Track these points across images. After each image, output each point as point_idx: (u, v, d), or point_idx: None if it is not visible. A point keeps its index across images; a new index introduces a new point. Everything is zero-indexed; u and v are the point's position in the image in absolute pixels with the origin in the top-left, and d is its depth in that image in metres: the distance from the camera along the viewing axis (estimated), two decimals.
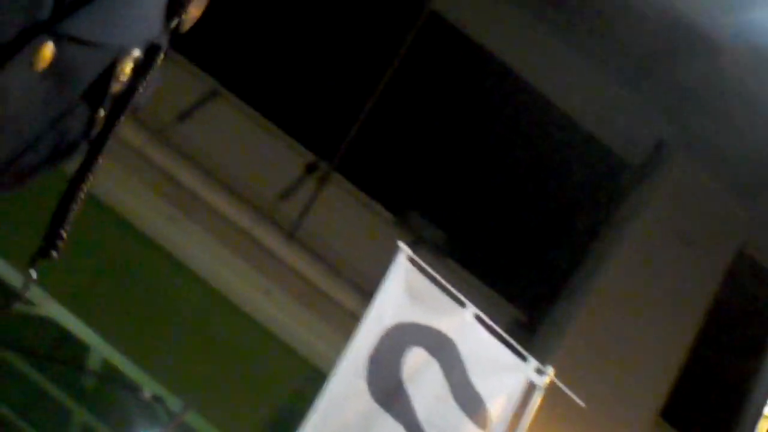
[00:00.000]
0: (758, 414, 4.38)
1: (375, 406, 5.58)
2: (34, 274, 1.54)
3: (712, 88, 9.31)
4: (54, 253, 1.51)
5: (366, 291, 6.22)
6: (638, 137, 10.20)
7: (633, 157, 10.25)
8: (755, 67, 8.91)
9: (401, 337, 5.73)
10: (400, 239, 6.21)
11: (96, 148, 1.56)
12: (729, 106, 9.34)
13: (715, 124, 9.61)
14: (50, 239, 1.50)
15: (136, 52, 1.44)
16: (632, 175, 10.22)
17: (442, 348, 5.77)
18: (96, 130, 1.53)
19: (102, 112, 1.49)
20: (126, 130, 9.44)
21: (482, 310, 6.05)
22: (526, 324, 9.71)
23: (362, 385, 5.60)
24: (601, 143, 10.24)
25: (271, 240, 9.51)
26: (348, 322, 5.98)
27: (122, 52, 1.42)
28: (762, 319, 4.86)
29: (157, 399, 11.14)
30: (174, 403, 11.46)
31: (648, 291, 9.36)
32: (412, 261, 5.93)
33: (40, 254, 1.50)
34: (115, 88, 1.45)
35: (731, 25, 8.71)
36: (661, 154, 10.04)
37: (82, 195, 1.56)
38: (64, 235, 1.53)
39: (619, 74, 10.04)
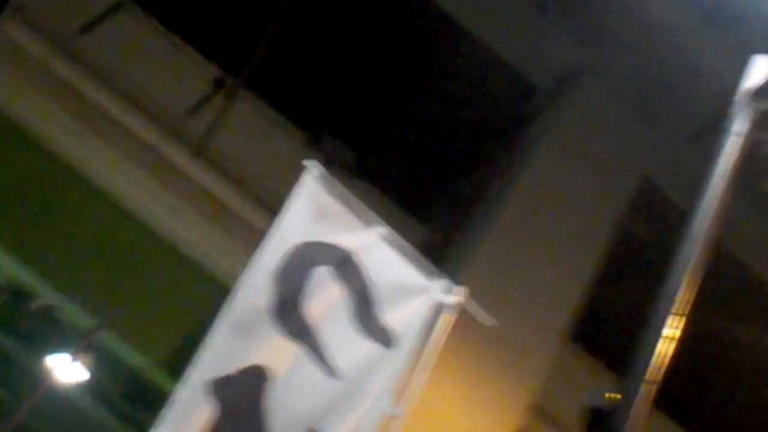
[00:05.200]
0: (657, 335, 4.46)
1: (274, 327, 5.48)
2: None
3: (622, 16, 9.35)
4: None
5: (274, 209, 6.13)
6: (549, 62, 10.23)
7: (543, 82, 10.28)
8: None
9: (306, 256, 5.62)
10: (311, 158, 6.09)
11: None
12: (639, 35, 9.41)
13: (625, 52, 9.68)
14: None
15: None
16: (542, 99, 10.26)
17: (347, 268, 5.67)
18: None
19: None
20: (28, 41, 9.18)
21: (393, 230, 6.01)
22: (436, 245, 9.75)
23: (262, 304, 5.48)
24: (511, 66, 10.24)
25: (178, 156, 9.37)
26: (256, 240, 5.88)
27: None
28: (664, 242, 4.94)
29: (54, 311, 10.99)
30: (84, 320, 11.33)
31: (556, 215, 9.47)
32: (321, 178, 5.81)
33: None
34: None
35: None
36: (570, 80, 10.09)
37: None
38: None
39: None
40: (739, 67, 5.10)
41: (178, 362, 5.65)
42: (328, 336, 5.56)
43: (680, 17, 9.05)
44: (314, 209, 5.74)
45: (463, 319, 5.89)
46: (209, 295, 9.11)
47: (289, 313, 5.52)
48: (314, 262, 5.67)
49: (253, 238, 7.28)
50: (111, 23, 9.66)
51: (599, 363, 9.79)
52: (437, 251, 9.35)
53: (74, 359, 11.82)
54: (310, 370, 5.50)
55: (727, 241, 9.80)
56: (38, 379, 12.90)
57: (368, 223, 5.84)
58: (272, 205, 8.72)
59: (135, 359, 10.65)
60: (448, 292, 5.86)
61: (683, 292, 4.54)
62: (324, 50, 10.17)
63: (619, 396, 4.30)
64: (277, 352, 5.47)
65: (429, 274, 5.88)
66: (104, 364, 12.12)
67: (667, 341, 4.38)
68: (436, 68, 10.23)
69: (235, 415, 5.35)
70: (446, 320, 5.81)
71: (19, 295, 11.78)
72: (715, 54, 8.90)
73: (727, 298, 10.09)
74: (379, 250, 5.81)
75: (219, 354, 5.37)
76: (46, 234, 9.43)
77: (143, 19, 9.78)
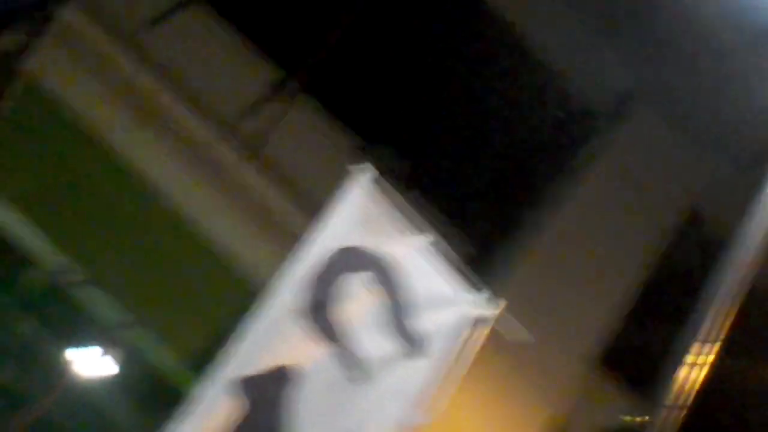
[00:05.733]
0: (678, 362, 4.49)
1: (306, 328, 5.48)
2: None
3: (683, 42, 9.33)
4: None
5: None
6: (606, 86, 10.21)
7: (599, 105, 10.27)
8: (729, 25, 8.93)
9: (345, 260, 5.62)
10: (361, 164, 6.10)
11: (41, 20, 1.55)
12: (694, 61, 9.37)
13: (679, 78, 9.65)
14: None
15: None
16: (596, 122, 10.25)
17: (386, 274, 5.67)
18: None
19: None
20: (92, 33, 9.29)
21: (436, 239, 6.02)
22: (476, 259, 9.76)
23: (296, 305, 5.50)
24: (569, 88, 10.24)
25: (231, 157, 9.38)
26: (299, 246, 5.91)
27: None
28: (706, 271, 4.95)
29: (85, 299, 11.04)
30: (114, 315, 11.40)
31: (599, 238, 9.45)
32: (369, 183, 5.83)
33: None
34: None
35: None
36: (626, 104, 10.08)
37: (21, 67, 1.55)
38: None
39: (593, 21, 10.02)
40: None
41: (206, 363, 5.66)
42: (360, 340, 5.56)
43: (739, 46, 9.02)
44: (359, 213, 5.76)
45: (494, 334, 5.89)
46: (246, 298, 9.13)
47: (322, 315, 5.54)
48: (354, 267, 5.69)
49: (298, 244, 7.34)
50: (176, 19, 9.72)
51: (624, 387, 9.75)
52: (477, 266, 9.36)
53: (101, 353, 11.91)
54: (340, 374, 5.51)
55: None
56: (63, 371, 13.00)
57: (412, 231, 5.87)
58: (320, 212, 8.75)
59: (163, 358, 10.68)
60: (487, 304, 5.87)
61: (721, 321, 4.56)
62: (384, 59, 10.21)
63: (643, 419, 4.33)
64: (306, 354, 5.49)
65: (468, 285, 5.89)
66: (131, 360, 12.18)
67: (697, 368, 4.40)
68: (494, 83, 10.25)
69: (260, 414, 5.38)
70: (481, 333, 5.83)
71: (57, 288, 11.88)
72: None
73: (760, 332, 10.01)
74: (419, 258, 5.83)
75: (248, 352, 5.40)
76: (92, 227, 9.47)
77: (209, 16, 9.83)
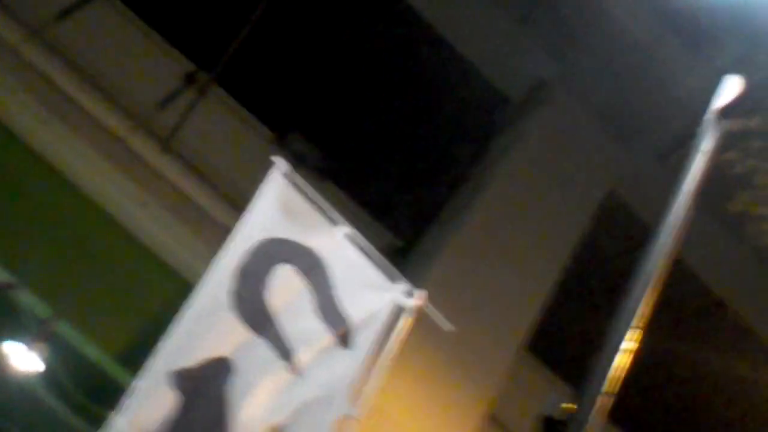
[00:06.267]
0: (616, 348, 4.50)
1: (237, 321, 5.50)
2: None
3: (596, 30, 9.42)
4: None
5: (241, 206, 6.13)
6: (521, 73, 10.27)
7: (514, 93, 10.33)
8: (640, 13, 9.03)
9: (270, 252, 5.65)
10: (279, 157, 6.09)
11: None
12: (611, 50, 9.47)
13: (597, 66, 9.74)
14: None
15: None
16: (512, 110, 10.30)
17: (310, 266, 5.71)
18: None
19: None
20: (1, 26, 9.11)
21: (357, 232, 6.02)
22: (399, 250, 9.78)
23: (225, 300, 5.50)
24: (484, 76, 10.27)
25: (147, 150, 9.33)
26: (221, 236, 5.89)
27: None
28: (625, 258, 4.99)
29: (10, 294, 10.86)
30: (40, 309, 11.22)
31: (520, 225, 9.49)
32: (288, 176, 5.83)
33: None
34: None
35: None
36: (541, 92, 10.14)
37: None
38: None
39: (508, 8, 10.06)
40: (712, 87, 5.15)
41: (135, 356, 5.61)
42: (290, 332, 5.60)
43: (656, 35, 9.13)
44: (281, 206, 5.76)
45: (422, 324, 5.91)
46: (170, 289, 9.08)
47: (251, 308, 5.55)
48: (278, 259, 5.70)
49: (218, 234, 7.27)
50: (87, 11, 9.60)
51: (554, 374, 9.86)
52: (400, 257, 9.38)
53: (29, 348, 11.71)
54: (272, 365, 5.54)
55: (690, 259, 9.88)
56: None
57: (333, 223, 5.88)
58: (238, 203, 8.71)
59: (92, 351, 10.59)
60: (409, 295, 5.90)
61: (643, 306, 4.58)
62: (297, 51, 10.17)
63: (573, 407, 4.32)
64: (238, 345, 5.50)
65: (391, 276, 5.92)
66: (60, 354, 12.02)
67: (624, 354, 4.41)
68: (408, 72, 10.25)
69: (196, 407, 5.37)
70: (405, 323, 5.84)
71: None
72: (688, 73, 8.98)
73: (685, 316, 10.17)
74: (342, 250, 5.85)
75: (181, 345, 5.39)
76: (10, 221, 9.35)
77: (119, 9, 9.74)
